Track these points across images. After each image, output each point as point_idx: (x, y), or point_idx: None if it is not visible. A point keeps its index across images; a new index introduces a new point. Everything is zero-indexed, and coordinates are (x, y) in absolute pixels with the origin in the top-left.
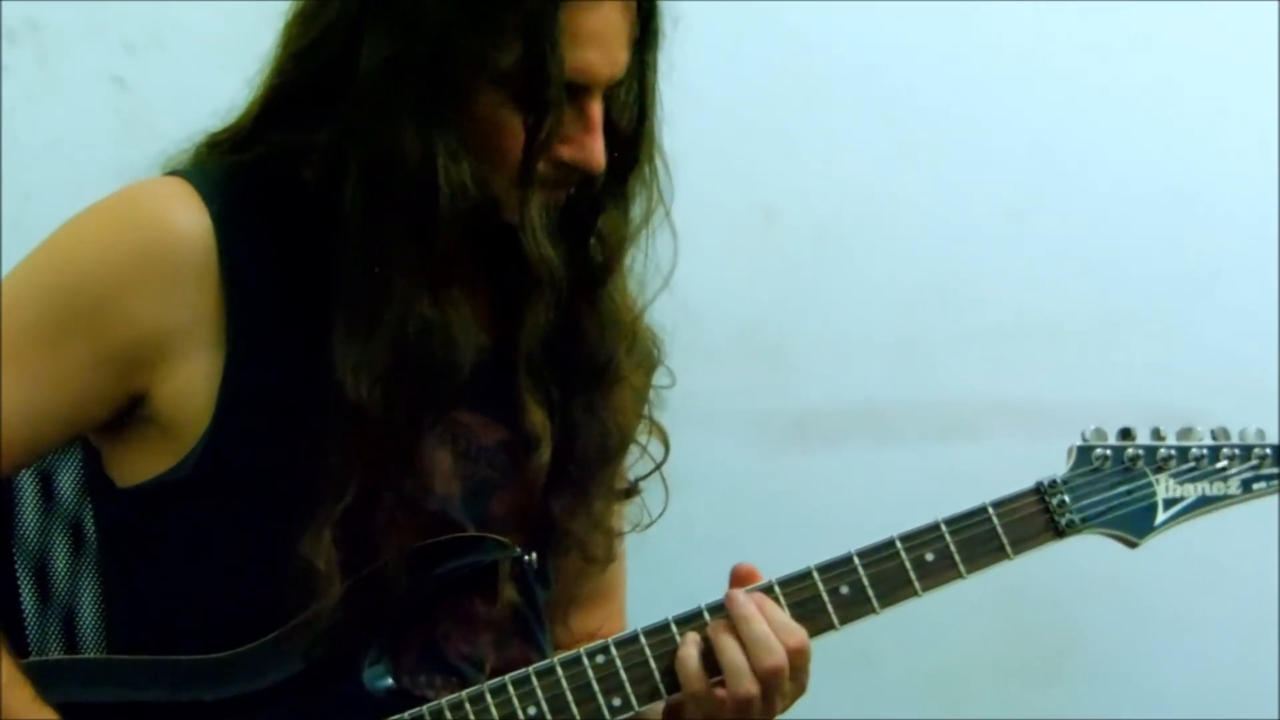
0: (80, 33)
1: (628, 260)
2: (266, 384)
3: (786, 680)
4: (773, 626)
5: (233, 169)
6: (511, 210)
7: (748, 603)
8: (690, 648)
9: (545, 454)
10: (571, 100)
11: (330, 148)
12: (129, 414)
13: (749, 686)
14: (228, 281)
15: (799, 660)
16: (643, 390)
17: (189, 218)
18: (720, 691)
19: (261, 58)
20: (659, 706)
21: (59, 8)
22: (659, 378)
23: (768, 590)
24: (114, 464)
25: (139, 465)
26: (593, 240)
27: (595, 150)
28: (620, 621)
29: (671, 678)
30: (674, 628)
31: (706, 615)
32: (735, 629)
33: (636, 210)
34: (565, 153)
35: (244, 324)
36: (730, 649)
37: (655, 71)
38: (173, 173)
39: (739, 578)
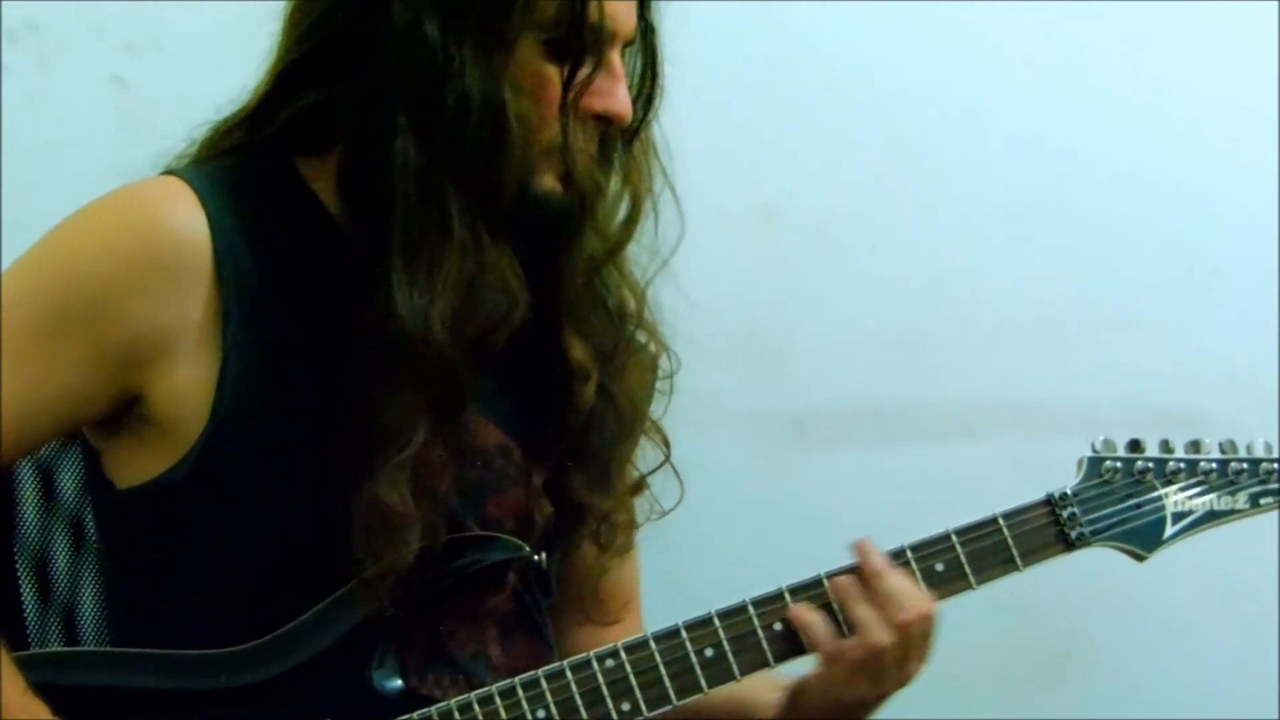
0: (80, 33)
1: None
2: (265, 381)
3: (918, 637)
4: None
5: (229, 167)
6: (545, 173)
7: (878, 556)
8: (810, 612)
9: (590, 389)
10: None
11: (364, 107)
12: (126, 414)
13: (884, 635)
14: (224, 281)
15: (927, 623)
16: (651, 371)
17: (185, 218)
18: (853, 651)
19: (261, 57)
20: (769, 698)
21: (59, 8)
22: (664, 363)
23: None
24: (113, 465)
25: (138, 466)
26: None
27: (622, 98)
28: (638, 625)
29: (681, 681)
30: (684, 633)
31: (717, 620)
32: (866, 583)
33: (643, 180)
34: (596, 104)
35: (241, 322)
36: (859, 602)
37: (656, 34)
38: (169, 172)
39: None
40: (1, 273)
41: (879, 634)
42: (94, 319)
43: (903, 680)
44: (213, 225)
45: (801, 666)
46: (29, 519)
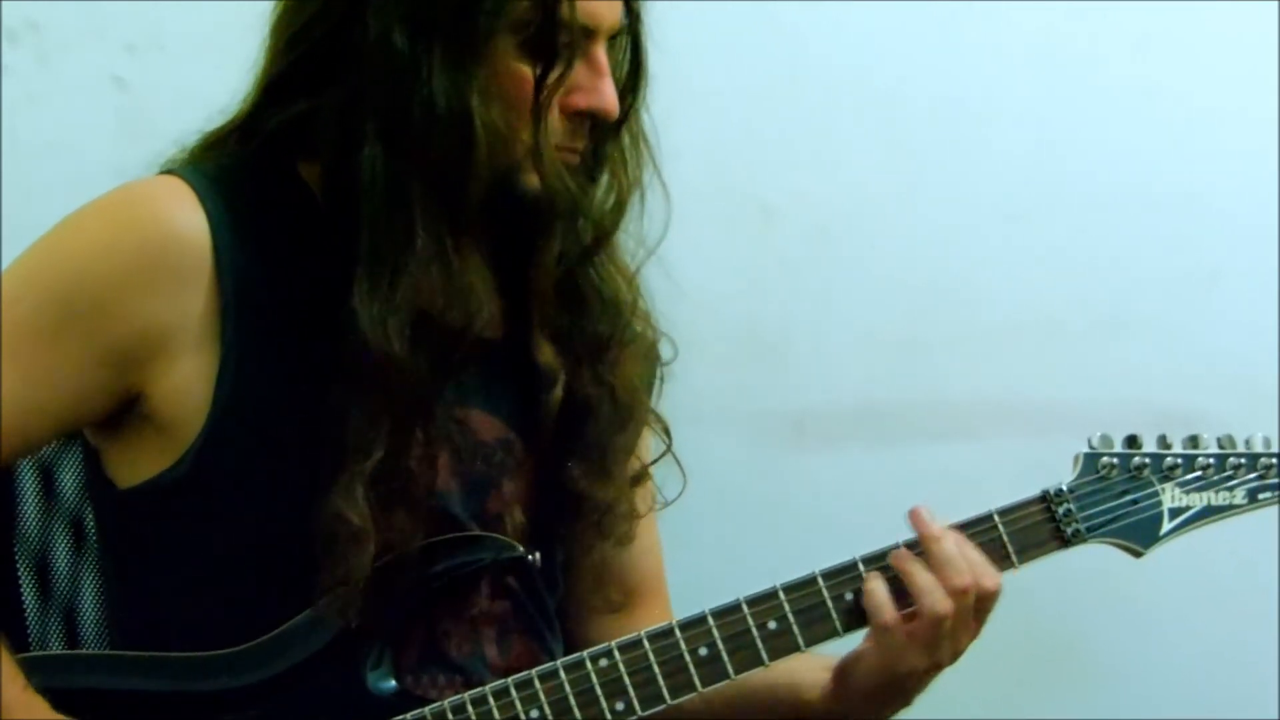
0: (80, 33)
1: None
2: (264, 379)
3: (972, 607)
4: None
5: (228, 167)
6: (528, 171)
7: (934, 523)
8: (875, 580)
9: (557, 394)
10: (579, 47)
11: (340, 115)
12: (126, 412)
13: (943, 604)
14: (223, 279)
15: (980, 599)
16: (649, 360)
17: (185, 216)
18: (910, 624)
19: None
20: (815, 678)
21: (59, 8)
22: (661, 350)
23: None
24: (113, 465)
25: (138, 465)
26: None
27: (608, 94)
28: (666, 615)
29: (675, 680)
30: (678, 632)
31: (710, 620)
32: (925, 550)
33: (630, 168)
34: (579, 101)
35: (240, 321)
36: (919, 570)
37: (642, 22)
38: (169, 171)
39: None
40: (1, 273)
41: (938, 601)
42: (95, 317)
43: (955, 653)
44: (212, 223)
45: (800, 663)
46: (29, 518)
